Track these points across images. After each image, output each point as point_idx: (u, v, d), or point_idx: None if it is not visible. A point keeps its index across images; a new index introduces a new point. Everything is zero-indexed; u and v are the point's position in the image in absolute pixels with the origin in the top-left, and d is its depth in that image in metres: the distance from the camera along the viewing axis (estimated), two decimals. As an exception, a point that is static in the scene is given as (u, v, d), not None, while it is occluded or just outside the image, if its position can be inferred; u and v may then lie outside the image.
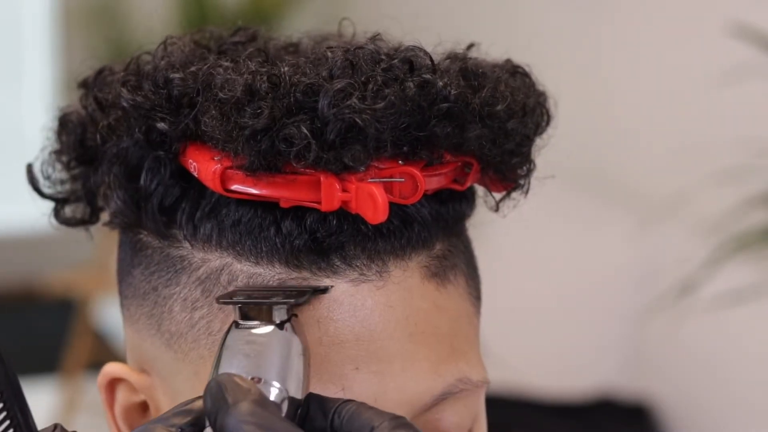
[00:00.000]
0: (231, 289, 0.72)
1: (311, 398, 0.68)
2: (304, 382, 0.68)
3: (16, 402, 0.70)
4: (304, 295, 0.69)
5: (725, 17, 2.14)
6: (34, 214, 0.82)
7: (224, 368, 0.67)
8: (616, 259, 2.54)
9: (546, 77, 0.79)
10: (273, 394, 0.66)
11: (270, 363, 0.66)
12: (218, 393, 0.63)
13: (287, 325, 0.67)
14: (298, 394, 0.67)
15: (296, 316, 0.69)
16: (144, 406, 0.79)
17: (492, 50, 0.78)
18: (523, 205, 0.78)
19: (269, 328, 0.67)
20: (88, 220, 0.80)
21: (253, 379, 0.66)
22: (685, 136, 2.64)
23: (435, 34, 0.77)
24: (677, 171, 2.51)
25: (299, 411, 0.67)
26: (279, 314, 0.68)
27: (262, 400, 0.63)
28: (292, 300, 0.68)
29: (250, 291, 0.71)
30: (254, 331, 0.67)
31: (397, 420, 0.65)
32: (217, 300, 0.70)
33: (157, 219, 0.75)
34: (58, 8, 4.45)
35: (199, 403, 0.66)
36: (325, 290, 0.71)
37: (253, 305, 0.68)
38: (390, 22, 0.81)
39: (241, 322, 0.68)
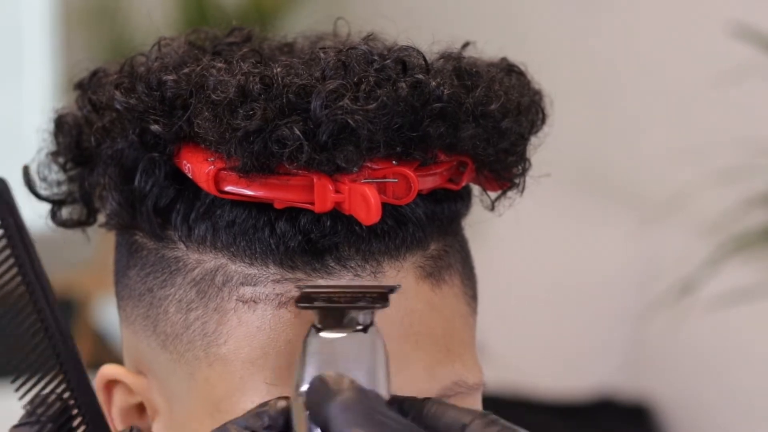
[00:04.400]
0: (226, 289, 0.72)
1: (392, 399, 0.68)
2: (390, 383, 0.67)
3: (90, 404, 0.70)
4: (386, 298, 0.68)
5: (725, 17, 2.13)
6: (33, 214, 0.82)
7: (312, 375, 0.66)
8: (616, 259, 2.54)
9: (546, 77, 0.78)
10: None
11: (360, 367, 0.65)
12: (321, 386, 0.64)
13: (372, 329, 0.67)
14: (387, 395, 0.67)
15: (375, 322, 0.68)
16: (141, 408, 0.79)
17: (488, 49, 0.78)
18: (524, 204, 0.78)
19: (357, 333, 0.66)
20: (85, 221, 0.80)
21: None
22: (685, 136, 2.64)
23: (430, 33, 0.77)
24: (677, 171, 2.50)
25: None
26: (364, 318, 0.67)
27: (363, 390, 0.64)
28: (378, 305, 0.67)
29: (326, 293, 0.70)
30: (338, 335, 0.66)
31: (488, 417, 0.65)
32: (297, 304, 0.69)
33: (152, 220, 0.75)
34: (58, 8, 4.44)
35: (278, 404, 0.66)
36: (395, 289, 0.70)
37: (337, 310, 0.67)
38: (386, 21, 0.81)
39: (322, 327, 0.66)
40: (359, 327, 0.66)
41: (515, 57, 0.78)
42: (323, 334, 0.66)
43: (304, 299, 0.69)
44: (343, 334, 0.66)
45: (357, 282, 0.72)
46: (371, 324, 0.67)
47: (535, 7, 3.15)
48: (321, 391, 0.64)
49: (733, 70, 2.05)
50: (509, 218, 0.79)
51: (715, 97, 2.42)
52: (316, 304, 0.67)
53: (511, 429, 0.64)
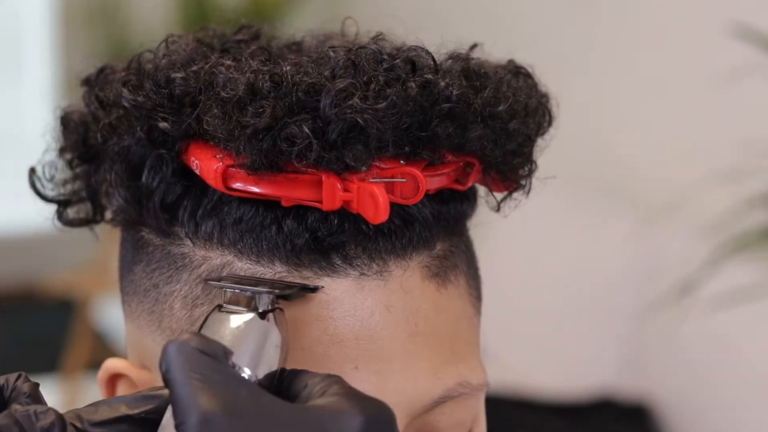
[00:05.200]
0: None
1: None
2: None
3: None
4: (290, 289, 0.70)
5: (725, 17, 2.14)
6: (34, 214, 0.82)
7: None
8: (617, 259, 2.54)
9: (547, 77, 0.79)
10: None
11: (245, 348, 0.66)
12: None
13: (269, 316, 0.68)
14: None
15: (281, 310, 0.69)
16: (145, 402, 0.79)
17: (495, 51, 0.78)
18: (524, 205, 0.78)
19: (249, 315, 0.68)
20: (92, 219, 0.80)
21: None
22: (685, 136, 2.64)
23: (438, 34, 0.77)
24: (677, 171, 2.51)
25: None
26: (262, 303, 0.68)
27: (207, 339, 0.64)
28: (277, 291, 0.69)
29: (240, 278, 0.71)
30: (235, 315, 0.68)
31: (332, 377, 0.65)
32: (206, 281, 0.71)
33: (158, 216, 0.75)
34: (58, 8, 4.44)
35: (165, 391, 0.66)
36: (314, 289, 0.71)
37: (239, 290, 0.69)
38: (393, 21, 0.81)
39: (224, 305, 0.69)
40: (257, 311, 0.68)
41: (515, 57, 0.78)
42: (220, 312, 0.68)
43: (216, 278, 0.72)
44: (239, 315, 0.68)
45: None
46: (271, 311, 0.68)
47: (535, 8, 3.15)
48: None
49: (733, 70, 2.05)
50: (509, 218, 0.79)
51: (715, 97, 2.42)
52: (223, 282, 0.70)
53: (354, 391, 0.64)
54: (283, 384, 0.67)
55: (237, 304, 0.69)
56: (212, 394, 0.61)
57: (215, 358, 0.64)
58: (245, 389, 0.63)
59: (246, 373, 0.66)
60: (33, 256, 4.45)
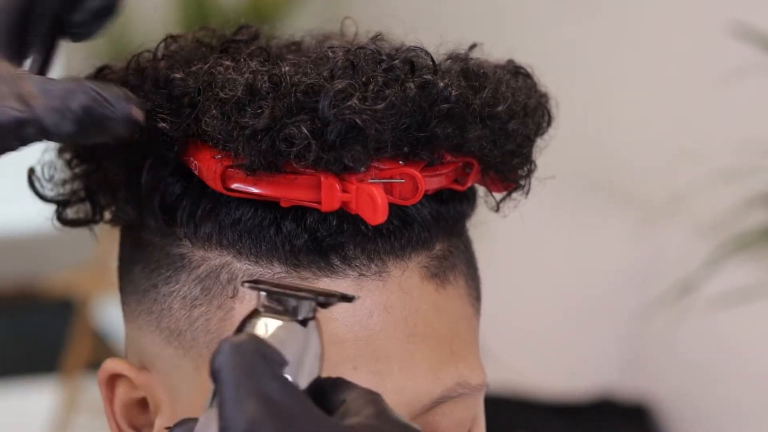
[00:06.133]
0: (230, 286, 0.72)
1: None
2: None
3: None
4: (332, 297, 0.67)
5: (725, 17, 2.14)
6: (34, 214, 0.82)
7: None
8: (617, 259, 2.54)
9: (546, 77, 0.79)
10: None
11: (287, 355, 0.63)
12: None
13: (311, 323, 0.65)
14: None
15: (318, 320, 0.66)
16: (144, 403, 0.79)
17: (494, 50, 0.78)
18: (524, 204, 0.78)
19: (291, 322, 0.64)
20: (92, 219, 0.80)
21: None
22: (685, 136, 2.64)
23: (437, 34, 0.77)
24: (677, 171, 2.51)
25: None
26: (303, 311, 0.65)
27: (264, 342, 0.61)
28: (322, 298, 0.65)
29: (275, 284, 0.68)
30: (276, 321, 0.64)
31: (371, 394, 0.63)
32: (243, 283, 0.67)
33: (157, 217, 0.75)
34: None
35: None
36: (351, 299, 0.68)
37: (281, 294, 0.65)
38: (392, 21, 0.81)
39: (263, 310, 0.65)
40: (298, 319, 0.65)
41: (515, 56, 0.78)
42: (259, 317, 0.65)
43: (254, 281, 0.68)
44: (280, 321, 0.64)
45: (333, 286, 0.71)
46: (312, 318, 0.65)
47: (537, 9, 3.15)
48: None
49: (733, 70, 2.05)
50: (508, 218, 0.79)
51: (715, 97, 2.42)
52: (262, 286, 0.66)
53: (389, 412, 0.62)
54: (319, 391, 0.65)
55: (272, 311, 0.65)
56: (264, 403, 0.58)
57: (274, 364, 0.61)
58: (299, 405, 0.59)
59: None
60: (33, 256, 4.45)
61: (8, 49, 0.71)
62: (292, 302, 0.64)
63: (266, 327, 0.64)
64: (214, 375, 0.59)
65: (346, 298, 0.67)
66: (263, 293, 0.65)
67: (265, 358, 0.60)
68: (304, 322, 0.64)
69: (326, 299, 0.65)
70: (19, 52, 0.72)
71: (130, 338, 0.79)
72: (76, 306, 3.70)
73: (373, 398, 0.62)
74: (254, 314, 0.65)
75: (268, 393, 0.58)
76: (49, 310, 4.25)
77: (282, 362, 0.61)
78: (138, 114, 0.69)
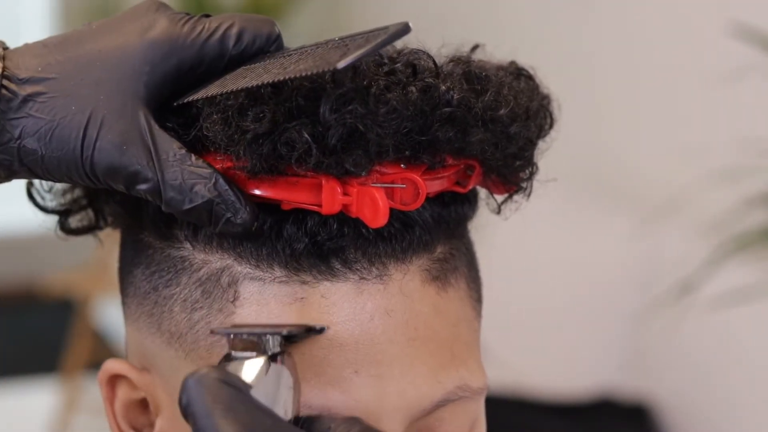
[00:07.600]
0: (231, 290, 0.72)
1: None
2: (291, 415, 0.68)
3: None
4: (296, 329, 0.70)
5: (725, 17, 2.14)
6: (34, 214, 0.82)
7: None
8: (616, 259, 2.54)
9: (547, 78, 0.78)
10: None
11: (261, 390, 0.66)
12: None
13: (279, 358, 0.68)
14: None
15: (289, 354, 0.69)
16: (144, 403, 0.79)
17: (497, 52, 0.78)
18: (525, 205, 0.78)
19: (260, 359, 0.68)
20: (95, 225, 0.80)
21: None
22: (685, 136, 2.64)
23: (440, 35, 0.77)
24: (677, 171, 2.51)
25: None
26: (271, 346, 0.68)
27: (228, 374, 0.64)
28: (284, 331, 0.69)
29: (242, 326, 0.71)
30: (247, 361, 0.67)
31: (351, 420, 0.66)
32: (212, 331, 0.72)
33: (158, 220, 0.75)
34: (58, 8, 4.44)
35: None
36: (320, 330, 0.71)
37: (247, 335, 0.69)
38: (393, 22, 0.80)
39: (233, 353, 0.68)
40: (267, 354, 0.68)
41: (517, 57, 0.78)
42: (230, 362, 0.68)
43: (221, 328, 0.72)
44: (250, 360, 0.67)
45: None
46: (280, 353, 0.68)
47: (538, 10, 3.15)
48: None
49: (733, 70, 2.05)
50: (509, 218, 0.79)
51: (715, 97, 2.42)
52: (227, 330, 0.70)
53: (372, 429, 0.65)
54: (305, 425, 0.68)
55: (244, 351, 0.68)
56: (238, 423, 0.61)
57: (237, 389, 0.64)
58: (269, 419, 0.63)
59: None
60: (33, 256, 4.45)
61: None
62: (259, 340, 0.68)
63: (239, 368, 0.67)
64: (185, 411, 0.63)
65: (314, 330, 0.69)
66: (231, 336, 0.69)
67: (228, 384, 0.63)
68: (273, 357, 0.67)
69: (290, 332, 0.68)
70: None
71: (130, 340, 0.79)
72: (76, 306, 3.70)
73: (357, 420, 0.66)
74: (226, 358, 0.68)
75: (241, 414, 0.62)
76: (49, 310, 4.25)
77: (246, 386, 0.65)
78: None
